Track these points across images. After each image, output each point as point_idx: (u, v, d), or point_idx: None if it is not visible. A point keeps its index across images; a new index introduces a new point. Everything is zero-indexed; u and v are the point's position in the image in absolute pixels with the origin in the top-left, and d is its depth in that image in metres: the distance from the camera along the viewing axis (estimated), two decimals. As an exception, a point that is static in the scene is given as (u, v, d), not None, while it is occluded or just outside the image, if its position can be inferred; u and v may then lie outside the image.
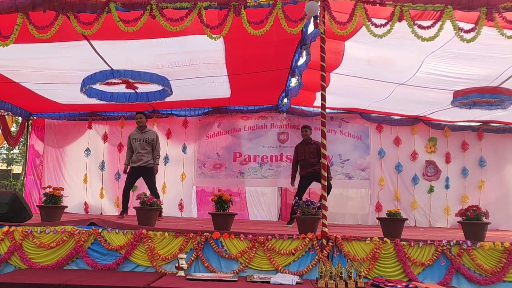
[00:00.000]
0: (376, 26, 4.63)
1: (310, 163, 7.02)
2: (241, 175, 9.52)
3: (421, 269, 4.46)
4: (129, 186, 6.82)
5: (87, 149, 9.87)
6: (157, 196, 6.72)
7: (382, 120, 9.40)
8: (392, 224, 4.88)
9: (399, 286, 3.97)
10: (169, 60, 6.41)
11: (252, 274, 4.32)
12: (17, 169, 18.42)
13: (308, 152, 7.11)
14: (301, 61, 6.51)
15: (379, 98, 7.99)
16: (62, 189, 5.41)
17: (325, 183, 4.69)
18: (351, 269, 3.92)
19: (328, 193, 7.10)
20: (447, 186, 9.26)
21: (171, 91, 7.09)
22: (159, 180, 8.38)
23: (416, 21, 4.60)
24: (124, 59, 6.35)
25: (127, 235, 4.65)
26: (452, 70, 6.24)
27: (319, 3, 4.65)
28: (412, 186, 9.30)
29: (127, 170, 6.98)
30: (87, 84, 6.70)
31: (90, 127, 9.92)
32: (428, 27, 4.58)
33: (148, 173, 6.89)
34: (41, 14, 4.65)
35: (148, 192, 5.33)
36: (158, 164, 6.94)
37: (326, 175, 4.72)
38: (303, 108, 9.37)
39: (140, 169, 6.85)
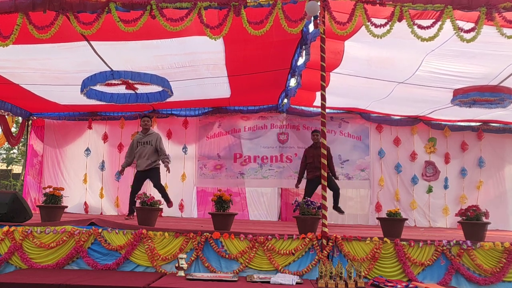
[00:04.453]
0: (376, 26, 4.64)
1: (318, 167, 7.02)
2: (241, 175, 9.53)
3: (421, 269, 4.46)
4: (136, 189, 6.83)
5: (87, 149, 9.87)
6: (164, 191, 6.99)
7: (382, 120, 9.41)
8: (392, 224, 4.89)
9: (399, 286, 3.97)
10: (169, 61, 6.41)
11: (252, 274, 4.32)
12: (17, 169, 18.40)
13: (318, 155, 7.09)
14: (301, 61, 6.52)
15: (379, 97, 7.99)
16: (62, 189, 5.41)
17: (325, 183, 4.68)
18: (351, 269, 3.92)
19: (337, 197, 7.20)
20: (446, 187, 9.28)
21: (172, 92, 7.08)
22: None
23: (416, 21, 4.61)
24: (124, 60, 6.35)
25: (127, 235, 4.65)
26: (452, 69, 6.25)
27: (319, 3, 4.65)
28: (411, 186, 9.32)
29: (123, 172, 7.19)
30: (87, 85, 6.69)
31: (90, 127, 9.92)
32: (428, 27, 4.59)
33: (153, 174, 6.96)
34: (41, 14, 4.65)
35: (148, 192, 5.35)
36: (168, 162, 6.92)
37: (326, 175, 4.71)
38: (303, 108, 9.38)
39: (146, 172, 6.93)
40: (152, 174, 6.95)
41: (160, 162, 6.95)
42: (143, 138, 6.96)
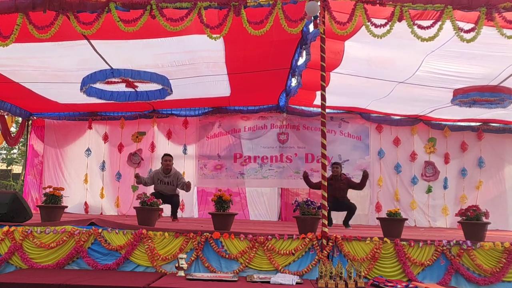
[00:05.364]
0: (376, 26, 4.64)
1: (336, 198, 7.14)
2: (241, 175, 9.53)
3: (421, 269, 4.46)
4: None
5: (88, 149, 9.87)
6: (177, 208, 7.37)
7: (382, 120, 9.41)
8: (392, 224, 4.89)
9: (399, 286, 3.97)
10: (169, 59, 6.41)
11: (252, 274, 4.33)
12: (17, 169, 18.39)
13: (338, 189, 7.26)
14: (301, 61, 6.52)
15: (379, 97, 7.99)
16: (62, 189, 5.41)
17: (325, 183, 4.68)
18: (351, 269, 3.93)
19: (351, 214, 7.20)
20: (445, 187, 9.29)
21: (171, 90, 7.09)
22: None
23: (416, 21, 4.61)
24: (124, 58, 6.34)
25: (127, 235, 4.65)
26: (452, 69, 6.24)
27: (319, 3, 4.65)
28: (411, 186, 9.33)
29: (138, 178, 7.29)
30: (87, 83, 6.69)
31: (90, 127, 9.92)
32: (427, 27, 4.58)
33: (174, 198, 7.30)
34: (41, 14, 4.65)
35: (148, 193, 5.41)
36: (186, 182, 7.15)
37: (325, 175, 4.71)
38: (303, 108, 9.37)
39: (168, 197, 7.17)
40: (173, 198, 7.28)
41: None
42: (165, 178, 7.20)
